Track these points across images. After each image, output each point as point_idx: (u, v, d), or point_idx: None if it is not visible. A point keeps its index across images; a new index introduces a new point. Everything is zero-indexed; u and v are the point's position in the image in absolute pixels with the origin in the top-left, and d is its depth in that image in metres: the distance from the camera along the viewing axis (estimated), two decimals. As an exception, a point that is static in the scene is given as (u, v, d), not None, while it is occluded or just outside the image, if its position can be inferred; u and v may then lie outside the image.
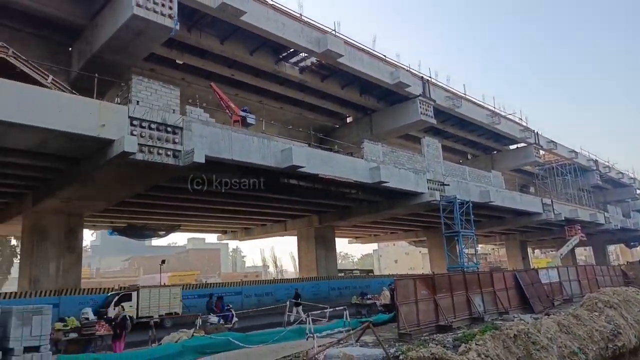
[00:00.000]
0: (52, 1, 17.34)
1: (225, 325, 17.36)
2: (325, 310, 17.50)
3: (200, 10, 18.62)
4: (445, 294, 16.14)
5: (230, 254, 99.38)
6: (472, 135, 37.96)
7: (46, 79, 13.75)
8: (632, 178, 60.22)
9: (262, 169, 18.70)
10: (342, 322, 15.77)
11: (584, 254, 76.96)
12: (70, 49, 19.47)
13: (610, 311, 10.00)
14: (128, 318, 13.79)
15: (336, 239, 36.89)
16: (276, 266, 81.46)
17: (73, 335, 13.54)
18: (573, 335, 8.36)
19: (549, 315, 9.64)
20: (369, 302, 22.51)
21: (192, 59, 21.94)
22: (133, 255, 70.68)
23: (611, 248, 76.53)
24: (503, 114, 37.25)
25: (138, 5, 15.35)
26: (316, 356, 10.45)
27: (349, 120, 32.02)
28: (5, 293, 20.28)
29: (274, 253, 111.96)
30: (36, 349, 9.12)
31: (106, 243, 73.78)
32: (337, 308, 15.87)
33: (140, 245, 67.70)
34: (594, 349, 8.36)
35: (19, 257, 36.89)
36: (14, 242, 39.19)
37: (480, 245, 34.35)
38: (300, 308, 20.30)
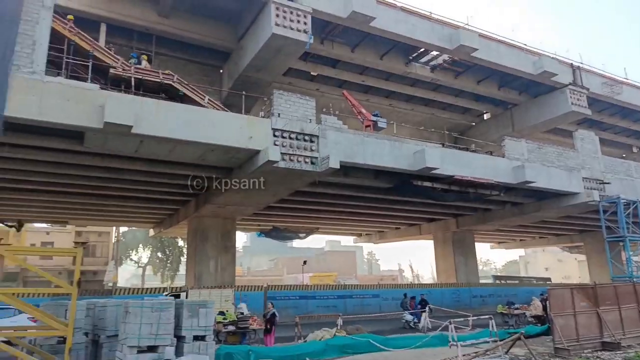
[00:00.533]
0: (204, 29, 19.75)
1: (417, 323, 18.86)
2: (468, 319, 16.69)
3: (331, 22, 19.40)
4: (611, 307, 14.17)
5: (366, 257, 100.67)
6: (637, 125, 32.79)
7: (203, 99, 15.66)
8: None
9: (394, 172, 18.67)
10: (487, 331, 14.81)
11: None
12: (221, 70, 21.87)
13: None
14: (277, 314, 14.87)
15: (476, 244, 34.94)
16: (412, 271, 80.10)
17: (231, 327, 15.03)
18: None
19: None
20: (516, 312, 20.79)
21: (325, 69, 22.93)
22: (278, 256, 76.06)
23: None
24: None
25: (277, 25, 16.66)
26: (461, 365, 10.02)
27: (486, 117, 30.18)
28: (176, 287, 23.36)
29: (410, 258, 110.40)
30: (202, 338, 10.32)
31: (255, 244, 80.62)
32: (480, 317, 14.99)
33: (283, 247, 72.66)
34: None
35: (184, 255, 42.45)
36: (181, 243, 45.11)
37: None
38: (426, 315, 19.48)
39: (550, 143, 26.04)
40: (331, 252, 76.44)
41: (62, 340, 10.01)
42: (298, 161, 15.48)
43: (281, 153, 15.04)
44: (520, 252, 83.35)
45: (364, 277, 65.50)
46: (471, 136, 27.27)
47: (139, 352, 8.79)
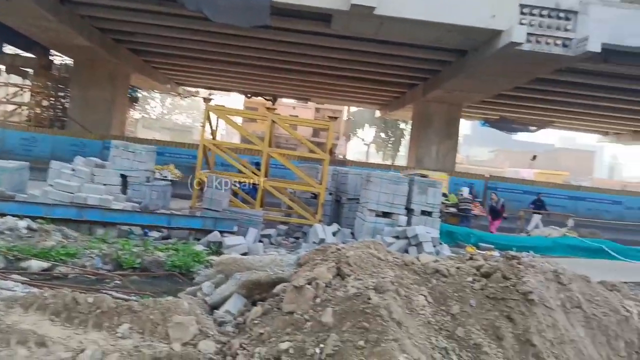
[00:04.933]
0: None
1: None
2: None
3: None
4: None
5: (608, 159, 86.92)
6: None
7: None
8: None
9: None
10: None
11: None
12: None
13: None
14: (505, 205, 14.75)
15: None
16: (669, 180, 66.21)
17: (452, 209, 15.62)
18: None
19: None
20: None
21: None
22: (499, 148, 72.19)
23: None
24: None
25: None
26: None
27: None
28: (402, 167, 24.87)
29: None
30: (429, 214, 11.10)
31: (476, 133, 77.72)
32: None
33: (506, 139, 68.01)
34: None
35: (406, 137, 44.13)
36: (402, 125, 46.76)
37: None
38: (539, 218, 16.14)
39: None
40: (563, 150, 68.41)
41: (314, 196, 12.19)
42: (547, 43, 13.61)
43: (527, 34, 13.40)
44: None
45: (603, 181, 57.37)
46: None
47: (377, 215, 10.11)
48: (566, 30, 13.66)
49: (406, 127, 43.79)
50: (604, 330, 3.66)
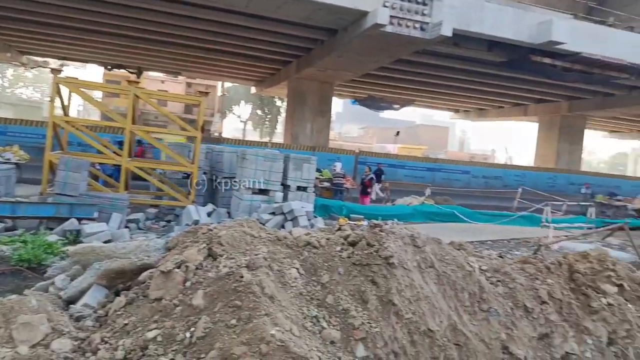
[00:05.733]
0: None
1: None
2: (562, 203, 16.41)
3: None
4: None
5: (459, 134, 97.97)
6: None
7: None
8: None
9: (511, 45, 17.04)
10: (582, 218, 14.59)
11: None
12: None
13: None
14: (375, 177, 15.73)
15: (585, 131, 32.23)
16: (506, 152, 77.33)
17: (326, 184, 16.27)
18: None
19: None
20: (618, 203, 19.84)
21: None
22: (368, 125, 76.75)
23: None
24: None
25: None
26: (550, 245, 10.19)
27: (635, -18, 25.26)
28: (277, 144, 25.04)
29: (504, 140, 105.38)
30: (304, 189, 11.39)
31: (347, 111, 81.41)
32: (580, 204, 14.68)
33: (374, 116, 72.60)
34: None
35: (282, 115, 44.47)
36: (278, 102, 46.94)
37: None
38: (379, 187, 17.87)
39: None
40: (423, 126, 75.28)
41: (187, 176, 11.68)
42: (407, 26, 14.64)
43: (390, 16, 14.24)
44: (635, 144, 75.75)
45: (455, 153, 64.66)
46: (611, 7, 23.31)
47: (253, 193, 10.06)
48: (423, 14, 14.82)
49: (282, 104, 44.07)
50: (452, 285, 4.13)
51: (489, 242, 10.89)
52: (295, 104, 24.13)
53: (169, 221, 10.33)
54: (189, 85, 37.28)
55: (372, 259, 4.11)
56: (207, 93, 11.31)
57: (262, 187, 10.07)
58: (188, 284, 3.69)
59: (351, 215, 12.55)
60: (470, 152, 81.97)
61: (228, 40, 19.86)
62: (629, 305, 4.62)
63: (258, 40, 19.67)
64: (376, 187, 17.44)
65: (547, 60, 17.99)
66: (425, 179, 24.16)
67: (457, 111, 40.07)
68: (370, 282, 3.99)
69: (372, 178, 15.62)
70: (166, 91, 31.21)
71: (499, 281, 4.40)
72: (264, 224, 8.78)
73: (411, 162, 25.59)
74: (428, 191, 17.14)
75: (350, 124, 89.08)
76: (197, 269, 3.86)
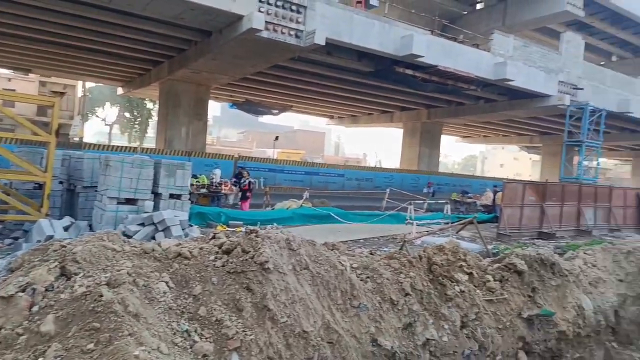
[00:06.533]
0: None
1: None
2: (424, 201, 18.09)
3: None
4: (555, 203, 15.59)
5: (335, 139, 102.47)
6: (624, 34, 32.48)
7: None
8: None
9: (378, 56, 18.32)
10: (440, 214, 16.23)
11: None
12: None
13: None
14: (253, 182, 15.58)
15: (442, 136, 36.05)
16: (376, 156, 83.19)
17: (203, 190, 15.70)
18: (697, 263, 7.89)
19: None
20: (469, 200, 22.52)
21: None
22: (248, 129, 76.23)
23: None
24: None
25: None
26: (413, 241, 11.13)
27: (479, 6, 29.00)
28: (149, 149, 23.55)
29: (375, 145, 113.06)
30: (178, 197, 10.86)
31: (225, 115, 79.91)
32: (438, 201, 16.30)
33: (254, 121, 72.52)
34: None
35: (153, 118, 41.93)
36: (149, 105, 44.15)
37: (602, 159, 31.44)
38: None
39: (537, 42, 25.77)
40: (301, 131, 77.17)
41: (39, 187, 10.34)
42: (282, 33, 14.86)
43: (266, 22, 14.32)
44: (481, 147, 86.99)
45: (331, 157, 67.41)
46: (461, 26, 26.41)
47: (119, 203, 9.26)
48: (298, 22, 15.18)
49: (154, 107, 41.55)
50: (325, 284, 4.27)
51: (362, 241, 11.51)
52: (169, 107, 22.92)
53: (16, 238, 9.04)
54: (43, 84, 33.14)
55: (247, 266, 4.05)
56: (62, 93, 10.16)
57: (130, 197, 9.33)
58: (35, 308, 3.26)
59: (230, 222, 12.29)
60: (345, 156, 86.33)
61: (88, 36, 18.10)
62: (477, 290, 5.24)
63: (124, 38, 18.27)
64: (235, 191, 16.78)
65: (409, 72, 19.72)
66: (303, 183, 24.78)
67: (332, 117, 41.82)
68: (246, 289, 3.93)
69: (250, 182, 15.49)
70: (13, 90, 27.43)
71: (368, 277, 4.66)
72: (131, 237, 8.15)
73: (290, 166, 26.04)
74: (306, 194, 17.57)
75: (229, 128, 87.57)
76: (47, 290, 3.43)
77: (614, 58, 37.93)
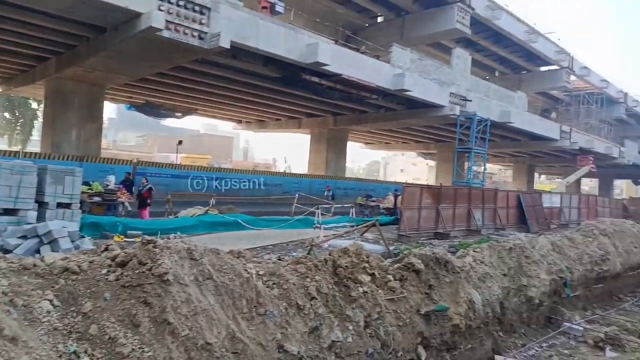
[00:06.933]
0: None
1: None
2: (331, 206, 18.53)
3: None
4: (448, 205, 16.87)
5: (243, 144, 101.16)
6: (504, 52, 36.32)
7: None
8: (659, 116, 58.83)
9: (284, 62, 18.45)
10: (347, 218, 16.74)
11: (588, 185, 77.60)
12: None
13: (604, 239, 10.58)
14: (153, 189, 14.74)
15: (348, 143, 37.28)
16: (285, 161, 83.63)
17: (97, 199, 14.53)
18: (564, 255, 8.99)
19: (544, 236, 10.29)
20: (373, 204, 23.53)
21: None
22: (148, 133, 72.23)
23: (618, 182, 76.98)
24: (542, 32, 35.28)
25: None
26: (321, 244, 11.33)
27: (379, 20, 30.53)
28: (33, 153, 21.27)
29: (284, 151, 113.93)
30: (67, 205, 9.96)
31: (122, 117, 74.97)
32: (344, 205, 16.79)
33: (155, 124, 68.96)
34: (580, 269, 9.04)
35: (39, 119, 37.97)
36: (34, 105, 39.98)
37: (488, 165, 34.79)
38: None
39: (431, 56, 27.77)
40: (207, 135, 74.98)
41: None
42: (185, 33, 14.31)
43: (166, 21, 13.70)
44: (383, 153, 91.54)
45: (239, 163, 66.42)
46: (363, 37, 27.60)
47: (-4, 214, 8.24)
48: (201, 23, 14.73)
49: (39, 107, 37.66)
50: (230, 293, 4.15)
51: (271, 247, 11.46)
52: (57, 108, 20.88)
53: None
54: None
55: (144, 279, 3.80)
56: None
57: (9, 207, 8.33)
58: None
59: (128, 232, 11.51)
60: (254, 161, 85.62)
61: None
62: (380, 290, 5.46)
63: (4, 31, 16.39)
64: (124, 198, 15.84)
65: (315, 79, 20.12)
66: (210, 189, 24.02)
67: (240, 122, 41.20)
68: (143, 303, 3.68)
69: (150, 188, 14.67)
70: None
71: (274, 284, 4.62)
72: (10, 251, 7.28)
73: (195, 172, 25.11)
74: (212, 201, 17.08)
75: (126, 132, 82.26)
76: None
77: (496, 73, 42.19)
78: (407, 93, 22.52)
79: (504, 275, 7.71)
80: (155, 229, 11.75)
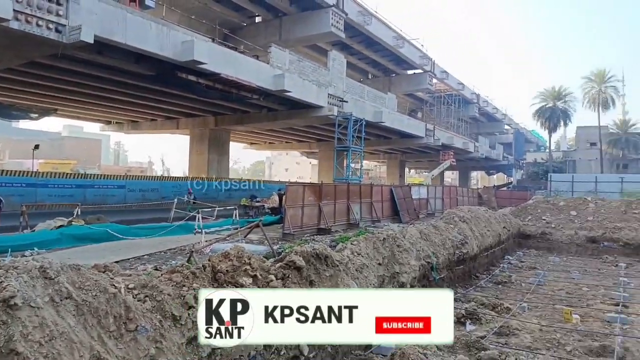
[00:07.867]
0: None
1: None
2: (214, 209, 18.02)
3: None
4: (329, 202, 17.53)
5: (113, 146, 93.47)
6: (376, 56, 38.79)
7: None
8: (504, 114, 68.11)
9: (158, 59, 17.48)
10: (230, 220, 16.44)
11: (450, 177, 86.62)
12: None
13: (463, 225, 11.86)
14: (2, 200, 12.88)
15: (230, 143, 36.63)
16: (163, 164, 79.48)
17: None
18: (430, 242, 9.87)
19: (414, 225, 11.26)
20: (257, 204, 23.45)
21: None
22: (-3, 137, 62.97)
23: (474, 174, 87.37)
24: (408, 38, 38.44)
25: None
26: (203, 250, 10.95)
27: (257, 20, 30.48)
28: None
29: (162, 152, 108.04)
30: None
31: (-38, 119, 64.33)
32: (227, 208, 16.44)
33: (6, 126, 60.58)
34: (445, 253, 10.01)
35: None
36: None
37: (365, 162, 36.96)
38: None
39: (309, 58, 28.52)
40: (70, 139, 67.62)
41: None
42: (38, 25, 12.79)
43: (15, 10, 12.07)
44: (267, 153, 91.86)
45: (110, 167, 61.31)
46: (241, 37, 27.30)
47: None
48: (58, 15, 13.28)
49: None
50: (94, 312, 3.78)
51: (147, 257, 10.76)
52: None
53: None
54: None
55: (-17, 305, 3.28)
56: None
57: None
58: None
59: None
60: (128, 165, 79.74)
61: None
62: (261, 291, 5.44)
63: None
64: None
65: (192, 78, 19.39)
66: (74, 198, 21.68)
67: (109, 122, 38.03)
68: (-17, 336, 3.18)
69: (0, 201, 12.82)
70: None
71: (147, 296, 4.32)
72: None
73: (56, 179, 22.55)
74: (77, 210, 15.51)
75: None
76: None
77: (369, 76, 44.92)
78: (287, 94, 22.86)
79: (379, 264, 8.20)
80: (4, 246, 10.26)
